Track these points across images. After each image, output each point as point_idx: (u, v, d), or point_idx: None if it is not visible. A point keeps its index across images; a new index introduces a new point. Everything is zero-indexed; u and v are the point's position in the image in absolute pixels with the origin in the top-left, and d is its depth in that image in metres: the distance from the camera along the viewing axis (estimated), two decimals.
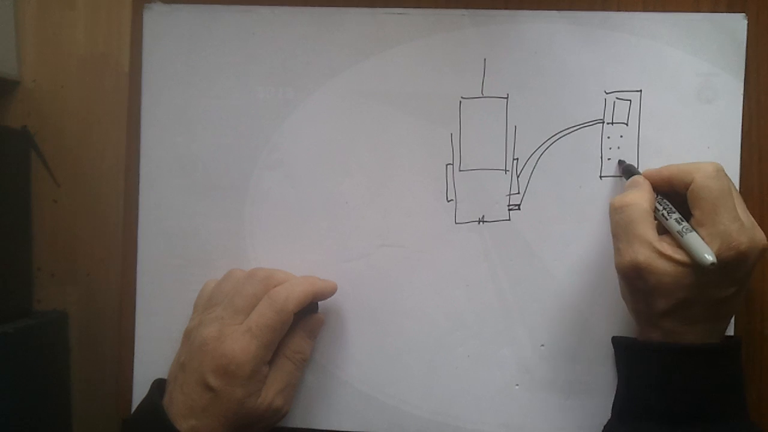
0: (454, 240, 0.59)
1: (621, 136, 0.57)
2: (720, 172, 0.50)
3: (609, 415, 0.55)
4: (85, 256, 0.69)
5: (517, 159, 0.58)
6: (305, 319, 0.57)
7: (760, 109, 0.57)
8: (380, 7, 0.59)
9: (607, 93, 0.58)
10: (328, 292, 0.57)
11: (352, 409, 0.59)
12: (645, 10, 0.58)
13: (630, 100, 0.57)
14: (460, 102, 0.59)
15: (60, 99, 0.69)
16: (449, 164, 0.59)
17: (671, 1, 0.58)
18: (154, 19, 0.61)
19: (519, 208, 0.58)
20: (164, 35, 0.61)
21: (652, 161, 0.57)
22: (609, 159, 0.58)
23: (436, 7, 0.59)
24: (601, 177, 0.58)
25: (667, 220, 0.50)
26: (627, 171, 0.56)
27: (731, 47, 0.57)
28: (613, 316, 0.57)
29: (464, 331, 0.59)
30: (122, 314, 0.62)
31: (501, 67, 0.58)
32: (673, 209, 0.51)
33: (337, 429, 0.59)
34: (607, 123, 0.58)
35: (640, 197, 0.51)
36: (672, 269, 0.48)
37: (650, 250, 0.48)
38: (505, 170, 0.58)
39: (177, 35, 0.61)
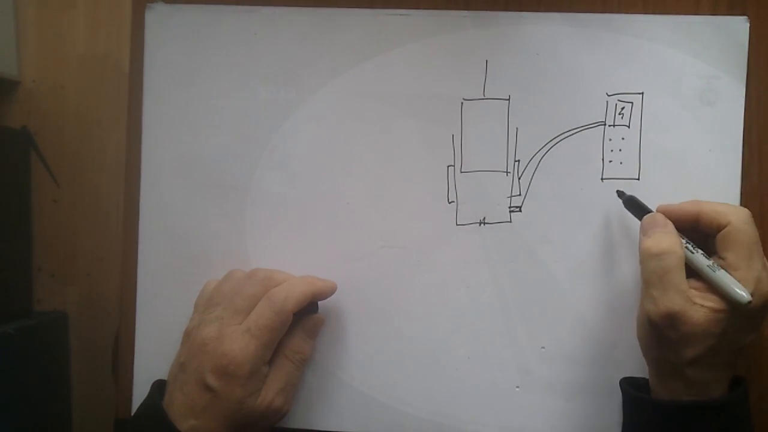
0: (455, 241, 0.59)
1: (623, 139, 0.57)
2: (751, 218, 0.50)
3: (608, 417, 0.55)
4: (85, 256, 0.69)
5: (519, 161, 0.58)
6: (305, 319, 0.56)
7: (761, 111, 0.57)
8: (382, 8, 0.59)
9: (608, 95, 0.58)
10: (328, 292, 0.57)
11: (353, 409, 0.59)
12: (645, 11, 0.58)
13: (632, 103, 0.57)
14: (462, 103, 0.59)
15: (60, 99, 0.69)
16: (450, 166, 0.59)
17: (671, 3, 0.58)
18: (156, 19, 0.61)
19: (520, 210, 0.58)
20: (166, 35, 0.61)
21: (654, 164, 0.57)
22: (610, 161, 0.57)
23: (438, 8, 0.59)
24: (602, 179, 0.58)
25: (693, 253, 0.50)
26: (632, 204, 0.55)
27: (733, 50, 0.57)
28: (613, 318, 0.57)
29: (465, 333, 0.58)
30: (122, 314, 0.61)
31: (503, 68, 0.58)
32: (696, 246, 0.51)
33: (337, 430, 0.59)
34: (609, 125, 0.58)
35: (674, 243, 0.50)
36: (704, 317, 0.48)
37: (684, 299, 0.48)
38: (507, 172, 0.58)
39: (179, 35, 0.61)
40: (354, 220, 0.59)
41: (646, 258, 0.50)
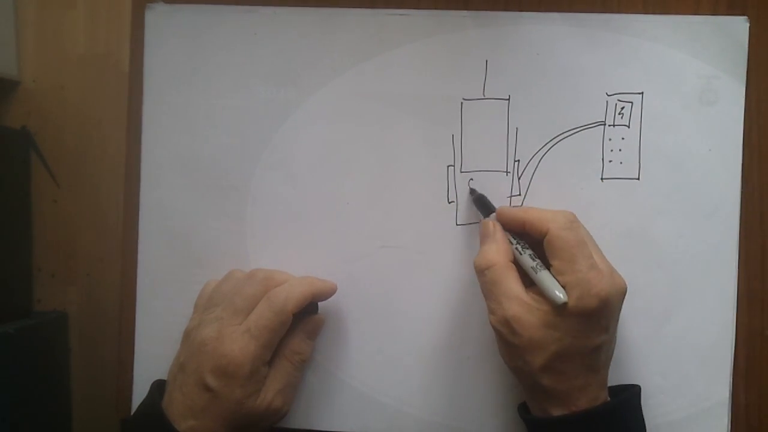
0: (455, 241, 0.59)
1: (622, 139, 0.57)
2: (574, 222, 0.51)
3: None
4: (85, 256, 0.69)
5: (519, 161, 0.58)
6: (305, 320, 0.56)
7: (761, 111, 0.57)
8: (382, 8, 0.59)
9: (608, 95, 0.58)
10: (328, 293, 0.57)
11: (352, 409, 0.59)
12: (645, 11, 0.58)
13: (632, 102, 0.57)
14: (462, 103, 0.59)
15: (60, 99, 0.69)
16: (450, 166, 0.59)
17: (671, 3, 0.58)
18: (155, 19, 0.61)
19: None
20: (166, 35, 0.61)
21: (654, 164, 0.57)
22: (610, 161, 0.58)
23: (438, 8, 0.59)
24: (602, 179, 0.58)
25: (521, 254, 0.52)
26: (480, 203, 0.57)
27: (733, 50, 0.57)
28: None
29: (465, 333, 0.58)
30: (122, 314, 0.61)
31: (503, 68, 0.58)
32: (527, 245, 0.52)
33: (337, 430, 0.59)
34: (609, 125, 0.58)
35: (497, 254, 0.52)
36: (541, 321, 0.48)
37: (518, 304, 0.49)
38: (507, 172, 0.58)
39: (179, 35, 0.61)
40: (354, 220, 0.59)
41: (477, 274, 0.52)
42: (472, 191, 0.58)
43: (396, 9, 0.59)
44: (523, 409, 0.55)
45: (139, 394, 0.59)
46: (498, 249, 0.52)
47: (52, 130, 0.70)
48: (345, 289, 0.58)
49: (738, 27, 0.57)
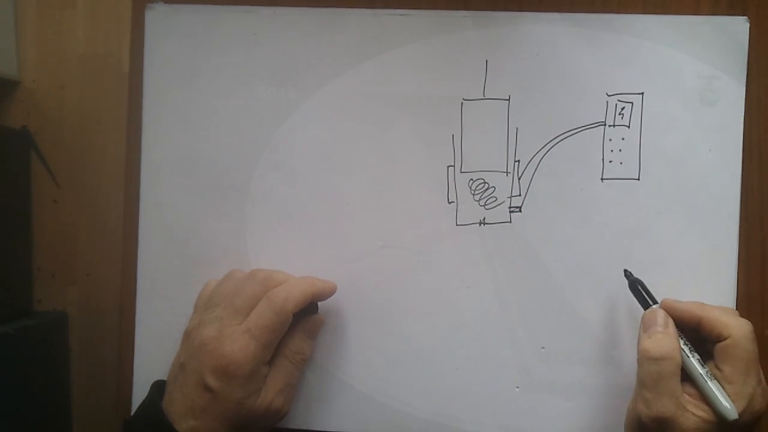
0: (455, 242, 0.59)
1: (623, 139, 0.57)
2: (753, 333, 0.51)
3: (608, 417, 0.55)
4: (85, 256, 0.69)
5: (519, 161, 0.58)
6: (305, 320, 0.56)
7: (761, 111, 0.57)
8: (382, 8, 0.59)
9: (608, 95, 0.58)
10: (328, 293, 0.57)
11: (352, 410, 0.59)
12: (645, 11, 0.58)
13: (632, 103, 0.57)
14: (462, 104, 0.59)
15: (60, 99, 0.69)
16: (450, 166, 0.59)
17: (671, 3, 0.58)
18: (156, 19, 0.61)
19: (520, 211, 0.58)
20: (166, 35, 0.61)
21: (654, 164, 0.57)
22: (611, 161, 0.58)
23: (438, 8, 0.59)
24: (602, 179, 0.58)
25: (688, 357, 0.51)
26: (636, 288, 0.55)
27: (733, 50, 0.57)
28: (613, 318, 0.57)
29: (465, 333, 0.58)
30: (122, 314, 0.61)
31: (503, 68, 0.58)
32: (693, 348, 0.51)
33: (337, 430, 0.59)
34: (609, 125, 0.58)
35: (673, 348, 0.50)
36: (694, 426, 0.49)
37: (677, 406, 0.49)
38: (507, 172, 0.58)
39: (179, 35, 0.61)
40: (353, 220, 0.59)
41: (643, 359, 0.51)
42: (628, 274, 0.56)
43: (396, 9, 0.59)
44: None
45: (139, 394, 0.59)
46: (673, 345, 0.51)
47: (52, 130, 0.70)
48: (345, 289, 0.58)
49: (738, 27, 0.57)
